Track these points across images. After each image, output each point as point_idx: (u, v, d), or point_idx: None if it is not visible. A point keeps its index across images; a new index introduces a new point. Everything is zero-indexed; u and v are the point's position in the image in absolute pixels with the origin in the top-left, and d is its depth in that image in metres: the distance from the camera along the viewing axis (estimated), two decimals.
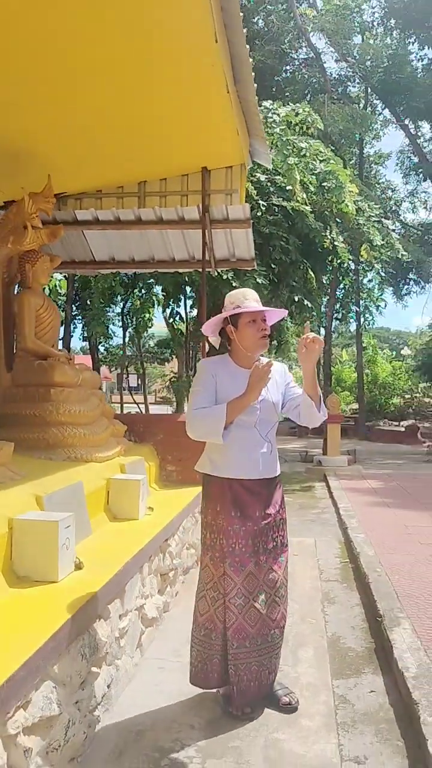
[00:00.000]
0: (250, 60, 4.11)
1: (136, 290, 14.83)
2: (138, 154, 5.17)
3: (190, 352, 20.15)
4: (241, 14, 3.60)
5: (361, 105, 20.29)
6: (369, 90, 19.74)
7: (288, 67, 21.01)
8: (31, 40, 3.35)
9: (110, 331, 20.21)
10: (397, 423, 24.34)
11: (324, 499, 8.77)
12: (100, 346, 21.07)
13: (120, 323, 23.01)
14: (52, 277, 7.29)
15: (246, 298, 2.83)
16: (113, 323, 23.42)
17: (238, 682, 2.76)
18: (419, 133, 22.46)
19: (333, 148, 15.63)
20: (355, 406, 25.70)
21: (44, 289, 5.61)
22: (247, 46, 4.00)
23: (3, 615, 2.40)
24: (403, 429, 21.47)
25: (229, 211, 5.84)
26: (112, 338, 24.62)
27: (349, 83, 20.57)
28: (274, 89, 19.44)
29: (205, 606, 2.85)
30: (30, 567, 2.79)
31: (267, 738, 2.64)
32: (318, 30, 17.46)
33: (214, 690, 2.96)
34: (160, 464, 5.60)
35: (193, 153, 5.30)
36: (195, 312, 14.49)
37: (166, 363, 33.44)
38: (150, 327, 15.72)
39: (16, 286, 5.04)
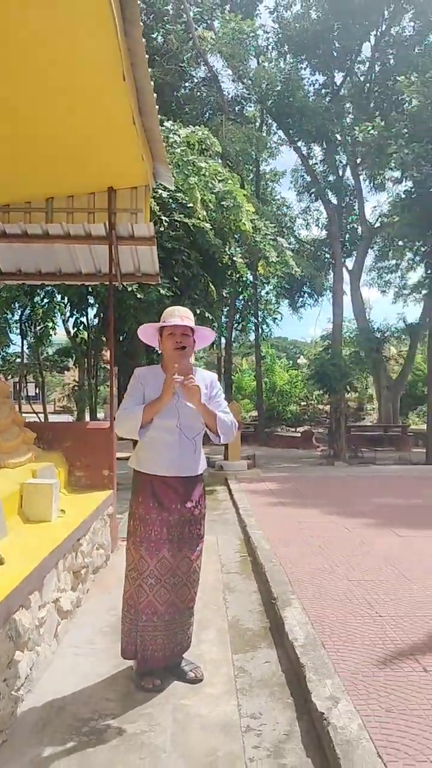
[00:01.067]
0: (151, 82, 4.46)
1: (36, 299, 14.81)
2: (46, 172, 5.39)
3: (92, 360, 20.18)
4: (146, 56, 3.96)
5: (257, 125, 21.19)
6: (264, 111, 20.66)
7: (187, 84, 21.61)
8: None
9: (9, 339, 19.95)
10: (293, 429, 25.45)
11: (225, 501, 9.24)
12: None
13: (17, 331, 22.70)
14: None
15: (172, 315, 3.19)
16: (11, 331, 23.07)
17: (143, 650, 3.13)
18: (311, 155, 23.71)
19: (231, 166, 16.35)
20: (255, 413, 26.57)
21: None
22: (152, 83, 4.38)
23: None
24: (299, 435, 22.49)
25: (134, 229, 6.18)
26: (9, 346, 24.23)
27: (245, 103, 21.42)
28: (173, 105, 19.96)
29: (128, 585, 3.22)
30: None
31: (175, 704, 2.99)
32: (215, 52, 18.15)
33: (128, 665, 3.29)
34: (69, 470, 5.81)
35: (100, 173, 5.59)
36: (96, 321, 14.66)
37: (65, 371, 33.09)
38: (53, 335, 15.69)
39: None
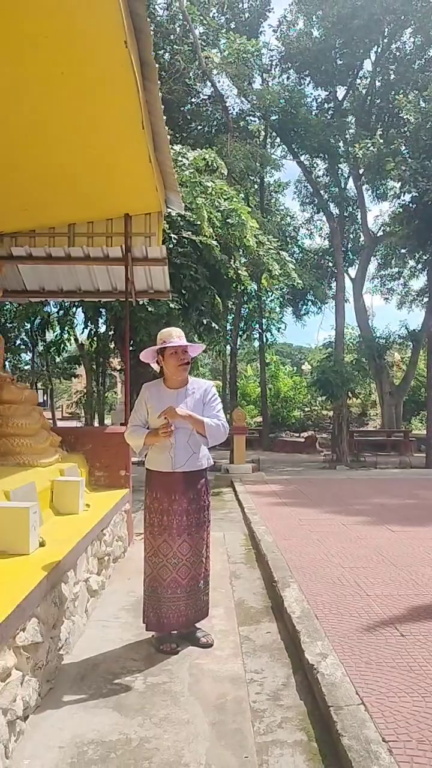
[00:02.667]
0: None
1: (46, 308, 15.46)
2: (69, 201, 6.00)
3: (99, 368, 20.80)
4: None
5: (261, 138, 21.84)
6: (268, 126, 21.33)
7: (193, 100, 22.30)
8: None
9: (28, 346, 20.69)
10: (297, 434, 25.97)
11: (231, 501, 9.82)
12: (6, 362, 21.44)
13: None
14: None
15: (171, 336, 3.80)
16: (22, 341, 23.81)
17: (167, 618, 3.74)
18: (314, 168, 24.35)
19: (236, 180, 16.99)
20: (260, 419, 27.12)
21: None
22: (166, 127, 5.00)
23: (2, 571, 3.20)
24: (303, 440, 23.02)
25: (148, 251, 6.79)
26: (21, 354, 24.97)
27: (249, 117, 22.08)
28: (180, 121, 20.64)
29: (149, 569, 3.82)
30: (6, 543, 3.58)
31: (191, 663, 3.57)
32: (221, 72, 18.83)
33: (149, 635, 3.87)
34: (89, 470, 6.40)
35: (118, 202, 6.20)
36: (104, 330, 15.30)
37: (73, 378, 33.79)
38: (69, 346, 16.37)
39: None
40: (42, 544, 3.78)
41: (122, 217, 6.44)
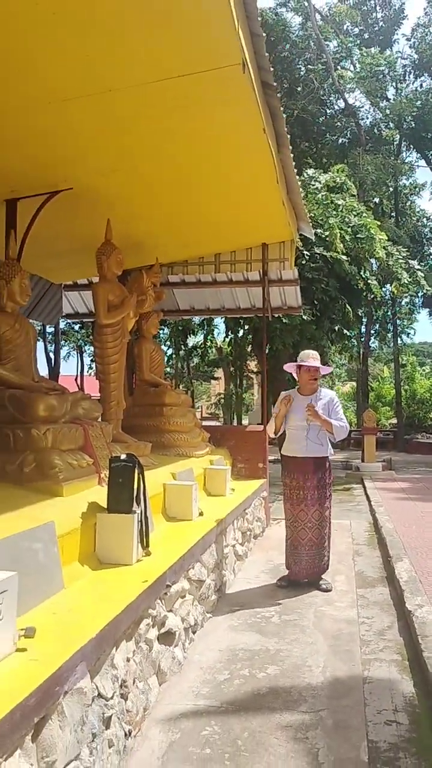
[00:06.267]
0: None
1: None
2: (215, 237, 7.21)
3: (237, 371, 22.17)
4: (286, 132, 5.58)
5: (394, 145, 22.15)
6: (401, 134, 21.64)
7: (328, 111, 23.05)
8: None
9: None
10: None
11: (360, 496, 10.64)
12: None
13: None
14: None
15: (308, 357, 5.04)
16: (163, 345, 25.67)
17: (295, 566, 4.99)
18: None
19: (368, 191, 17.60)
20: (395, 420, 27.24)
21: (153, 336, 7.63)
22: (299, 176, 6.04)
23: (169, 529, 4.41)
24: None
25: (282, 274, 7.86)
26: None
27: (382, 124, 22.47)
28: (314, 133, 21.51)
29: (289, 532, 5.09)
30: (176, 511, 4.79)
31: (315, 609, 4.59)
32: (354, 89, 19.51)
33: (277, 583, 5.06)
34: (232, 462, 7.58)
35: (257, 235, 7.34)
36: (241, 335, 16.55)
37: (212, 381, 35.59)
38: (211, 351, 17.83)
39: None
40: (201, 514, 4.96)
41: (260, 246, 7.55)
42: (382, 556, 6.21)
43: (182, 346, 24.03)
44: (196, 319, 16.25)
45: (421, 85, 21.71)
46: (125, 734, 2.57)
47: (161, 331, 18.24)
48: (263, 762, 2.62)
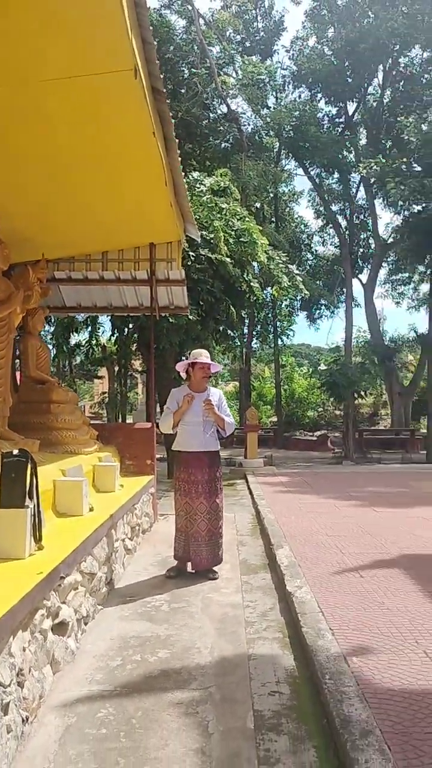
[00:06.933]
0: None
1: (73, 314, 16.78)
2: (103, 233, 7.23)
3: (122, 370, 22.08)
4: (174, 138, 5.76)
5: (274, 152, 23.02)
6: (280, 143, 22.54)
7: (211, 114, 23.50)
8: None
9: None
10: (311, 433, 27.06)
11: (243, 490, 11.04)
12: None
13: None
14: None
15: (201, 356, 5.27)
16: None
17: (194, 557, 5.16)
18: (324, 182, 25.52)
19: (250, 195, 18.18)
20: (275, 418, 28.28)
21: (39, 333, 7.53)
22: (186, 184, 6.22)
23: (60, 524, 4.44)
24: (315, 438, 24.12)
25: (169, 274, 8.02)
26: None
27: (262, 132, 23.27)
28: (198, 137, 21.86)
29: (178, 521, 5.27)
30: (66, 507, 4.82)
31: (203, 596, 4.79)
32: (236, 96, 20.09)
33: (166, 574, 5.23)
34: (121, 459, 7.65)
35: (145, 234, 7.43)
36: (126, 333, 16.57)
37: (94, 379, 35.14)
38: (97, 350, 17.66)
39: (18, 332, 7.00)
40: (92, 509, 5.02)
41: (148, 245, 7.67)
42: (264, 544, 6.54)
43: (63, 344, 23.54)
44: (80, 317, 16.03)
45: (299, 96, 22.78)
46: (23, 720, 2.62)
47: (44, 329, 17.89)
48: (157, 736, 2.77)
